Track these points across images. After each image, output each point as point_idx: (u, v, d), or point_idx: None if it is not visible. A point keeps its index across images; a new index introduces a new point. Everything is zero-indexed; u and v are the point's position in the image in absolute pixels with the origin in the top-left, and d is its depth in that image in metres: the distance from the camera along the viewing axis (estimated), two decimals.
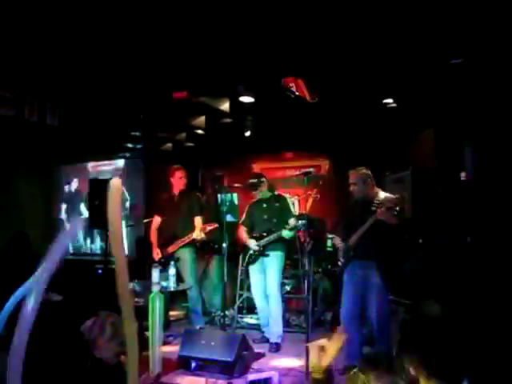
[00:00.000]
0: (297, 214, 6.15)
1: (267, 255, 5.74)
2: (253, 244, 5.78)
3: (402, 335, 1.90)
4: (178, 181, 6.17)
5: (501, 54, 4.67)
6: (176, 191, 6.21)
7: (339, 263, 5.01)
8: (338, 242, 4.97)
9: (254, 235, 5.89)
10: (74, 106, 6.90)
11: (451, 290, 4.32)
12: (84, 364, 2.88)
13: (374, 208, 4.72)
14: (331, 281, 6.72)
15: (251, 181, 5.97)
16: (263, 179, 5.96)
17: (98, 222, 6.81)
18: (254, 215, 6.03)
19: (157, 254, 6.05)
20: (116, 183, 1.01)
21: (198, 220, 6.06)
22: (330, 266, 6.76)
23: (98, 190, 6.77)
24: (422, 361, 1.76)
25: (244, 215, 6.18)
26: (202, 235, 5.90)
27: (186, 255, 5.99)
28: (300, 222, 5.29)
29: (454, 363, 1.78)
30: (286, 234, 5.61)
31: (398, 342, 1.92)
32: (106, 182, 7.27)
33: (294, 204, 7.48)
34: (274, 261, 5.73)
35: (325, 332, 6.22)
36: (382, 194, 4.85)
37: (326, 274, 6.84)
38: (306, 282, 5.46)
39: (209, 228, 5.90)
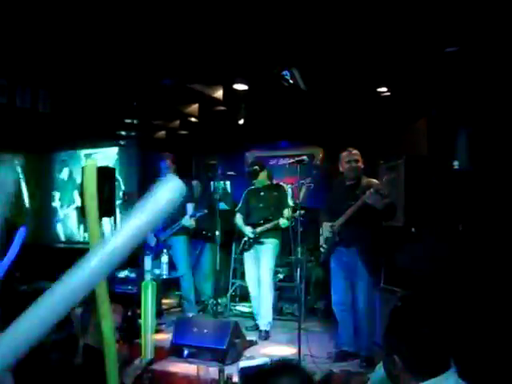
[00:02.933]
0: (293, 204, 6.09)
1: (262, 243, 5.73)
2: (248, 231, 5.77)
3: (391, 322, 1.90)
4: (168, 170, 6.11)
5: (495, 43, 4.66)
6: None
7: (321, 249, 4.98)
8: (327, 226, 4.93)
9: (250, 223, 5.88)
10: (67, 93, 6.85)
11: (443, 279, 4.34)
12: (73, 351, 2.89)
13: (358, 192, 4.70)
14: (324, 269, 6.73)
15: (251, 168, 5.94)
16: (263, 167, 5.94)
17: None
18: (250, 203, 6.01)
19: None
20: (90, 164, 1.00)
21: (189, 207, 6.03)
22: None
23: None
24: (408, 349, 1.77)
25: (240, 202, 6.16)
26: (192, 222, 5.88)
27: (179, 243, 5.98)
28: (297, 213, 5.27)
29: (440, 353, 1.78)
30: (283, 223, 5.61)
31: (386, 328, 1.92)
32: (99, 169, 7.26)
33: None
34: (269, 248, 5.72)
35: (317, 320, 6.27)
36: (366, 180, 4.83)
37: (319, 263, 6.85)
38: (298, 270, 5.48)
39: (198, 214, 5.87)
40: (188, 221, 5.80)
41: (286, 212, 5.68)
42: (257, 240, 5.75)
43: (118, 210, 9.02)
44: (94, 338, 3.09)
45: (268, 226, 5.68)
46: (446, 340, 1.79)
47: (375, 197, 4.46)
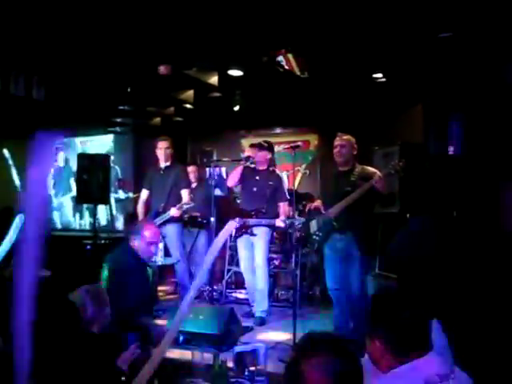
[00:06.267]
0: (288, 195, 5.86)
1: (255, 235, 5.62)
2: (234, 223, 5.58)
3: (372, 308, 1.93)
4: (163, 151, 6.08)
5: (489, 29, 4.64)
6: (162, 164, 6.13)
7: (314, 237, 4.94)
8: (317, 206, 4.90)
9: (242, 209, 5.77)
10: (61, 80, 6.81)
11: (435, 266, 4.35)
12: (72, 336, 2.90)
13: (353, 178, 4.68)
14: (319, 255, 6.73)
15: (261, 142, 5.85)
16: (271, 148, 5.82)
17: (87, 197, 6.81)
18: (243, 183, 5.82)
19: None
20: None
21: (184, 193, 6.01)
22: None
23: (86, 164, 6.74)
24: (389, 333, 1.79)
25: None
26: (180, 212, 5.85)
27: (172, 230, 5.96)
28: (296, 221, 5.16)
29: (420, 336, 1.81)
30: (279, 225, 5.52)
31: (368, 314, 1.95)
32: (94, 156, 7.27)
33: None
34: (262, 234, 5.63)
35: (313, 306, 6.30)
36: (360, 167, 4.80)
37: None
38: (293, 256, 5.47)
39: (185, 206, 5.85)
40: (175, 211, 5.78)
41: (284, 210, 5.60)
42: (248, 232, 5.63)
43: (113, 198, 9.05)
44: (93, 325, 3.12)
45: (262, 222, 5.56)
46: (424, 324, 1.82)
47: (382, 182, 4.48)
